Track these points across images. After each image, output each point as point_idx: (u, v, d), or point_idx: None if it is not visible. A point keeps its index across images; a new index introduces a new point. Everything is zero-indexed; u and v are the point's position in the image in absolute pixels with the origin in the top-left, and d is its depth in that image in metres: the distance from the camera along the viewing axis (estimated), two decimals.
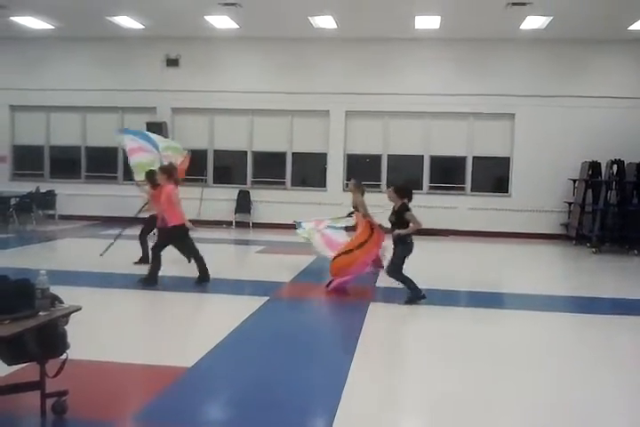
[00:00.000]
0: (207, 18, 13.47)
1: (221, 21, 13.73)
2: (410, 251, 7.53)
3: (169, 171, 8.54)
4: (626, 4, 11.56)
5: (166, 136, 15.73)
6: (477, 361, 5.49)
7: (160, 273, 8.24)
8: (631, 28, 13.01)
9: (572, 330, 6.78)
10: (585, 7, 11.81)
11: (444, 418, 4.26)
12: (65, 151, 16.67)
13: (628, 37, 13.78)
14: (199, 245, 11.22)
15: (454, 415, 4.27)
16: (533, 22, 12.90)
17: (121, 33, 14.91)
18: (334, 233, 9.23)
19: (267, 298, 7.65)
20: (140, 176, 9.96)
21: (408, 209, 7.45)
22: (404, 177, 15.78)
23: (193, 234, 8.50)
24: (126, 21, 14.02)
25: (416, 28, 13.63)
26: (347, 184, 15.54)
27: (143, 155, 10.22)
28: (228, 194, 15.61)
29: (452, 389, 4.76)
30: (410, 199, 7.59)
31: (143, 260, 9.51)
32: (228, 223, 15.59)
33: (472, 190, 15.21)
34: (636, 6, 11.72)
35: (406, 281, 7.48)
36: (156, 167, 9.23)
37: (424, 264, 10.79)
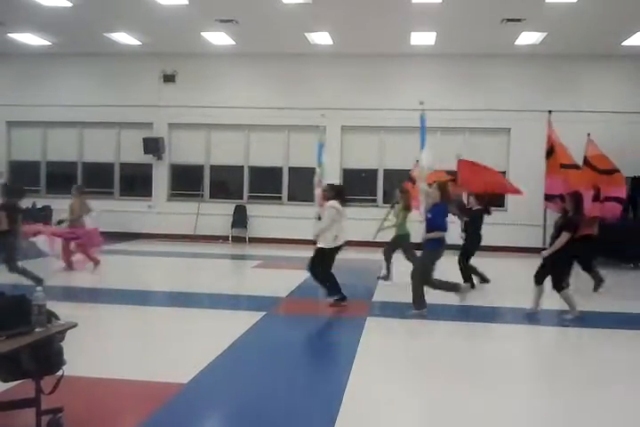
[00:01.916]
0: (204, 34, 13.58)
1: (218, 38, 13.84)
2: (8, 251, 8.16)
3: None
4: (619, 19, 11.70)
5: (163, 151, 15.83)
6: (475, 375, 5.47)
7: (154, 289, 8.20)
8: (625, 43, 13.16)
9: (568, 344, 6.77)
10: (579, 23, 11.94)
11: None
12: (61, 167, 16.69)
13: (622, 53, 13.91)
14: (196, 260, 11.23)
15: None
16: (528, 38, 13.04)
17: (118, 49, 15.01)
18: None
19: (264, 313, 7.62)
20: None
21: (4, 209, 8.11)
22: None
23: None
24: (123, 38, 14.13)
25: (412, 43, 13.76)
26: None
27: None
28: (225, 209, 15.62)
29: (450, 403, 4.74)
30: (16, 199, 8.40)
31: None
32: (225, 238, 15.57)
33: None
34: (630, 22, 11.87)
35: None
36: None
37: None
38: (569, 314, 7.58)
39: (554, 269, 7.57)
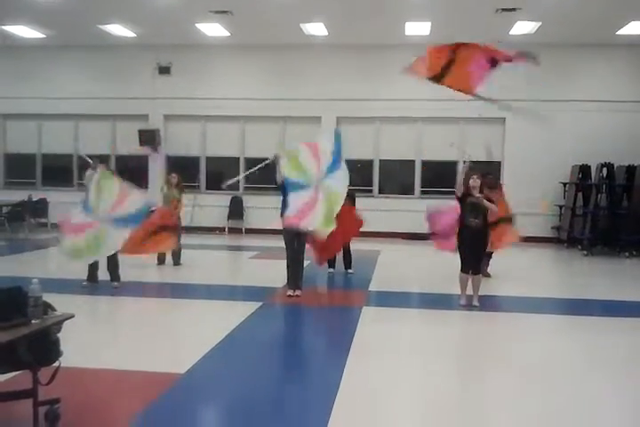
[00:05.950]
0: (198, 26, 13.53)
1: (213, 29, 13.79)
2: None
3: None
4: (614, 9, 11.68)
5: (159, 143, 15.79)
6: (473, 364, 5.52)
7: (151, 280, 8.23)
8: (619, 32, 13.15)
9: (563, 332, 6.82)
10: (573, 12, 11.92)
11: (439, 425, 4.28)
12: (57, 159, 16.64)
13: (616, 42, 13.90)
14: (194, 252, 11.27)
15: (450, 422, 4.29)
16: (523, 27, 13.01)
17: (113, 41, 14.95)
18: None
19: (260, 303, 7.67)
20: None
21: None
22: (396, 182, 15.91)
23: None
24: (118, 30, 14.06)
25: (406, 34, 13.72)
26: None
27: None
28: (221, 200, 15.63)
29: (448, 394, 4.78)
30: None
31: None
32: (221, 229, 15.60)
33: None
34: (624, 11, 11.86)
35: None
36: None
37: (417, 268, 10.86)
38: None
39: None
